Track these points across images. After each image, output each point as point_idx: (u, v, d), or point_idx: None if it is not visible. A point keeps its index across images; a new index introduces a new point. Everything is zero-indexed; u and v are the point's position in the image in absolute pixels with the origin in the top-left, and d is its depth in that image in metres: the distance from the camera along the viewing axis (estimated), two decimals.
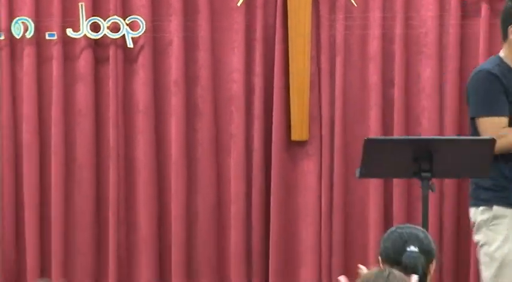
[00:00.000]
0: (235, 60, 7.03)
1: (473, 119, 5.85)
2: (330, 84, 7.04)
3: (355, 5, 6.96)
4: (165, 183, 7.11)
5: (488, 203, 5.76)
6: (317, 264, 7.08)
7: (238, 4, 6.81)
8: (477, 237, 5.73)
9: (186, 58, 6.99)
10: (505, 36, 5.71)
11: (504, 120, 5.71)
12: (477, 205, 5.80)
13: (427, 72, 7.07)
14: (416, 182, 5.83)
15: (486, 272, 5.59)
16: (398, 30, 6.96)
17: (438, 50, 7.04)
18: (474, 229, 5.84)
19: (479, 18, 7.02)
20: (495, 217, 5.72)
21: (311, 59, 6.92)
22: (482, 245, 5.71)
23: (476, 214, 5.78)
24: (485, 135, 5.85)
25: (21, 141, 6.99)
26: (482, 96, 5.92)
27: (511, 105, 5.81)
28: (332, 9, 6.99)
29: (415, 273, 3.76)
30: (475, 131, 5.85)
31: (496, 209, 5.63)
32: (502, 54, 5.81)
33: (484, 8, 6.99)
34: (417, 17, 6.98)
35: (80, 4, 6.71)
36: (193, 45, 7.08)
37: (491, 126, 5.81)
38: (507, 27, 5.75)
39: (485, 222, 5.75)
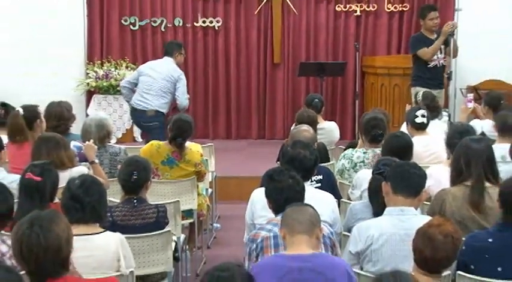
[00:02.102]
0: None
1: (414, 55, 7.30)
2: (288, 38, 9.13)
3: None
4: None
5: (414, 86, 7.25)
6: (284, 105, 9.25)
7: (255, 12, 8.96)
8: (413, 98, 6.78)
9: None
10: (422, 23, 7.35)
11: (425, 48, 7.14)
12: (412, 86, 7.34)
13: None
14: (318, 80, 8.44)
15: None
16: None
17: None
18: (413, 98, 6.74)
19: None
20: (417, 91, 6.77)
21: (281, 32, 9.05)
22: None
23: (412, 91, 7.15)
24: (423, 56, 7.14)
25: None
26: (414, 44, 7.39)
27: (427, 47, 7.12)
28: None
29: (316, 109, 6.07)
30: (416, 59, 7.29)
31: (417, 89, 6.99)
32: (422, 30, 7.44)
33: None
34: None
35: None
36: (241, 24, 9.10)
37: (421, 52, 7.18)
38: (421, 19, 7.44)
39: (414, 96, 6.73)
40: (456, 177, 3.70)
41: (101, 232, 3.30)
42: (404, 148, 4.30)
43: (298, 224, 2.86)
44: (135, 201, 3.94)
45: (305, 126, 4.84)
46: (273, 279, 2.73)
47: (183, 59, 7.39)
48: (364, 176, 4.22)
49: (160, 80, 6.97)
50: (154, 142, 5.21)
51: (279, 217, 3.27)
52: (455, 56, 7.51)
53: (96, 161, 4.72)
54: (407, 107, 6.26)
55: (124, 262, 3.28)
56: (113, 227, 3.63)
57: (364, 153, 4.80)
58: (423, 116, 5.24)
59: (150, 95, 6.99)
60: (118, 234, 3.34)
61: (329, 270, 2.79)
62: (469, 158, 3.64)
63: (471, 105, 6.26)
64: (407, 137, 4.52)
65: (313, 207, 3.00)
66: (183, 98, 7.08)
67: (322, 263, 2.81)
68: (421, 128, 5.29)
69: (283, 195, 3.29)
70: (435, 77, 7.29)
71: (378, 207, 3.50)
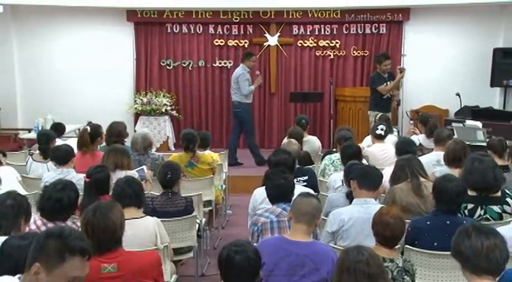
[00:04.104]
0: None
1: (375, 88, 7.01)
2: (281, 74, 8.86)
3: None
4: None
5: (373, 110, 7.02)
6: (278, 123, 8.96)
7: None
8: (371, 118, 6.86)
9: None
10: (378, 67, 7.10)
11: (384, 86, 6.92)
12: (371, 110, 7.09)
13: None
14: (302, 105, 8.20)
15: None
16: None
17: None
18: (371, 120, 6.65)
19: None
20: (376, 114, 6.71)
21: (276, 70, 8.83)
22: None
23: (370, 113, 7.06)
24: (382, 92, 6.88)
25: None
26: (375, 81, 7.09)
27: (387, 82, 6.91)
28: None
29: (303, 126, 5.74)
30: (374, 91, 6.98)
31: (375, 112, 6.83)
32: (378, 70, 7.13)
33: None
34: None
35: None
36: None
37: (381, 88, 6.98)
38: (377, 64, 7.16)
39: (373, 117, 6.72)
40: (395, 179, 3.68)
41: (143, 216, 3.22)
42: (355, 153, 4.20)
43: (301, 215, 2.69)
44: (169, 194, 3.86)
45: (293, 141, 4.75)
46: (274, 256, 2.57)
47: (252, 64, 7.55)
48: (335, 178, 4.16)
49: (232, 81, 7.54)
50: (176, 154, 5.14)
51: (274, 207, 3.18)
52: (399, 89, 7.47)
53: (150, 180, 4.56)
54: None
55: (159, 238, 3.19)
56: (153, 212, 3.56)
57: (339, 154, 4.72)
58: (382, 129, 5.21)
59: (232, 91, 7.56)
60: (155, 218, 3.25)
61: (317, 256, 2.63)
62: (404, 167, 3.63)
63: (412, 130, 6.39)
64: (355, 145, 4.42)
65: (318, 199, 2.82)
66: (243, 89, 7.42)
67: (312, 250, 2.64)
68: (380, 138, 5.24)
69: (277, 191, 3.20)
70: (386, 104, 7.15)
71: (352, 198, 3.40)
